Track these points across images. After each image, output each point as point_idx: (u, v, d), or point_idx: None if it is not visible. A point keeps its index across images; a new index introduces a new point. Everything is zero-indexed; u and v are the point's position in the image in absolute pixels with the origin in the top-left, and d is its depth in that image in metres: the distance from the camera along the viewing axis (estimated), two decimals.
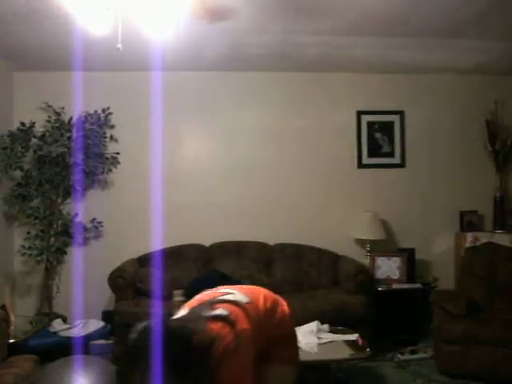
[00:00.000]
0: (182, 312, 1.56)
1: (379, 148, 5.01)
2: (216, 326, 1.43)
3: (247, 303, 1.64)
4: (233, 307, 1.57)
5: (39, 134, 4.39)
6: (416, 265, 4.67)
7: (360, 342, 3.24)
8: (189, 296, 2.01)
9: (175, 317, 1.53)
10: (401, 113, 5.01)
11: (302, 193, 4.90)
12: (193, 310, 1.54)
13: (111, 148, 4.67)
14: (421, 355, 4.03)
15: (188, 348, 1.28)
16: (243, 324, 1.52)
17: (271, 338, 1.76)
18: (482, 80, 4.97)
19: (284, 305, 1.87)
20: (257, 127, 4.88)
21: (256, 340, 1.58)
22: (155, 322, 1.34)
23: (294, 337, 1.94)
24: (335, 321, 3.61)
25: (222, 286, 1.81)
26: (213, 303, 1.58)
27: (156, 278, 4.12)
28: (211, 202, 4.79)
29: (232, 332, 1.44)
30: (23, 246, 4.36)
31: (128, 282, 4.09)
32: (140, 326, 1.32)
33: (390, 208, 4.88)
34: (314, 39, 3.94)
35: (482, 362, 3.45)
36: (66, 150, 4.31)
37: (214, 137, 4.90)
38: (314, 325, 3.42)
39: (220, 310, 1.53)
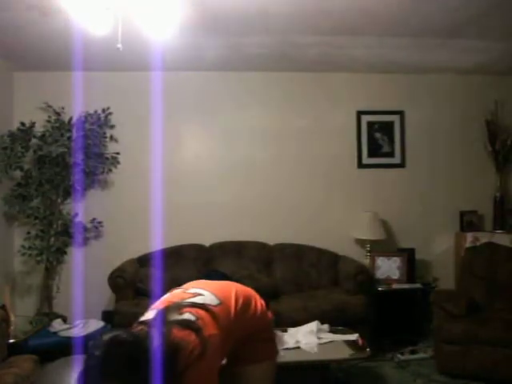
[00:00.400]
0: (150, 314, 1.54)
1: (379, 148, 5.01)
2: (181, 333, 1.42)
3: (217, 305, 1.61)
4: (201, 311, 1.53)
5: (39, 134, 4.39)
6: (416, 265, 4.67)
7: (360, 341, 3.24)
8: None
9: (141, 319, 1.52)
10: (401, 113, 5.01)
11: (301, 193, 4.90)
12: (161, 314, 1.51)
13: (111, 148, 4.67)
14: (421, 355, 4.03)
15: (152, 356, 1.27)
16: (210, 329, 1.49)
17: (246, 334, 1.75)
18: (482, 80, 4.97)
19: (258, 299, 1.85)
20: (257, 127, 4.88)
21: (225, 343, 1.56)
22: (117, 334, 1.33)
23: (271, 331, 1.93)
24: (335, 321, 3.61)
25: (193, 284, 1.79)
26: (180, 307, 1.55)
27: (156, 278, 4.12)
28: (211, 202, 4.79)
29: (198, 338, 1.43)
30: (23, 246, 4.36)
31: (128, 282, 4.09)
32: (102, 340, 1.31)
33: (390, 208, 4.88)
34: (313, 39, 3.94)
35: (482, 362, 3.45)
36: (66, 150, 4.31)
37: (214, 137, 4.90)
38: (313, 325, 3.42)
39: (187, 315, 1.50)
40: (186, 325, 1.45)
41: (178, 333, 1.41)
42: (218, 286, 1.77)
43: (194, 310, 1.53)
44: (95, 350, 1.28)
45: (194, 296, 1.63)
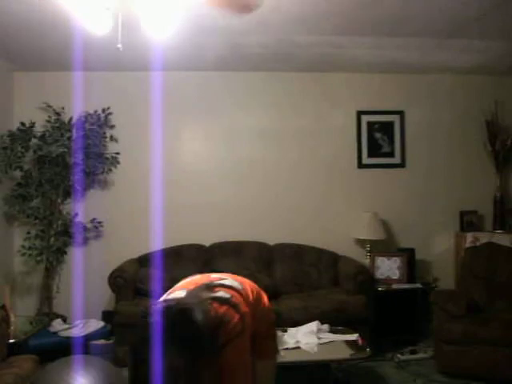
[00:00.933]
0: (179, 293, 1.56)
1: (379, 148, 5.01)
2: (222, 308, 1.46)
3: (241, 290, 1.66)
4: (232, 291, 1.58)
5: (39, 134, 4.39)
6: (416, 265, 4.67)
7: (360, 341, 3.24)
8: None
9: (170, 297, 1.54)
10: (401, 113, 5.01)
11: (301, 193, 4.90)
12: (193, 292, 1.55)
13: (111, 148, 4.67)
14: (421, 355, 4.03)
15: (199, 328, 1.31)
16: (244, 307, 1.54)
17: (255, 327, 1.78)
18: (481, 80, 4.97)
19: (264, 295, 1.91)
20: (257, 127, 4.88)
21: (252, 324, 1.61)
22: (168, 305, 1.37)
23: (273, 329, 1.97)
24: (335, 321, 3.61)
25: (212, 274, 1.82)
26: (212, 286, 1.59)
27: (156, 278, 4.12)
28: (211, 202, 4.80)
29: (237, 314, 1.47)
30: (23, 246, 4.36)
31: (128, 281, 4.09)
32: (154, 308, 1.35)
33: (390, 208, 4.88)
34: (314, 39, 3.94)
35: (482, 362, 3.45)
36: (66, 150, 4.31)
37: (214, 137, 4.90)
38: (314, 325, 3.42)
39: (221, 293, 1.54)
40: (224, 301, 1.50)
41: (218, 308, 1.45)
42: (236, 277, 1.82)
43: (225, 289, 1.57)
44: (149, 318, 1.31)
45: (220, 279, 1.67)
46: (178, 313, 1.32)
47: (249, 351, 1.53)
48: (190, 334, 1.28)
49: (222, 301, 1.49)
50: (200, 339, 1.30)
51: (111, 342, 3.93)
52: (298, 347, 3.16)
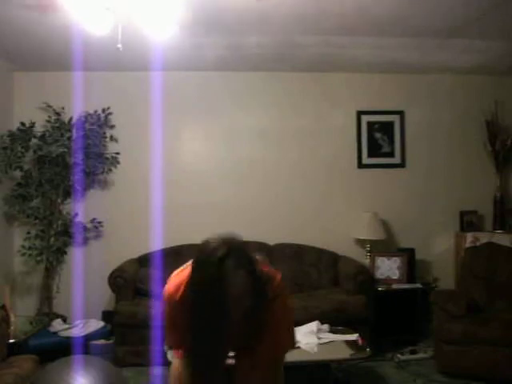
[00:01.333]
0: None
1: (379, 148, 5.01)
2: (266, 267, 1.52)
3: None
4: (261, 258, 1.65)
5: (39, 134, 4.39)
6: (416, 265, 4.67)
7: (360, 341, 3.24)
8: None
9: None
10: (401, 113, 5.01)
11: (302, 193, 4.90)
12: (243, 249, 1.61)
13: (111, 148, 4.67)
14: (421, 355, 4.03)
15: (256, 276, 1.35)
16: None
17: None
18: (481, 80, 4.97)
19: None
20: (257, 127, 4.88)
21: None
22: (234, 243, 1.42)
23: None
24: (335, 321, 3.61)
25: None
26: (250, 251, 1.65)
27: (156, 278, 4.12)
28: (211, 202, 4.79)
29: (278, 274, 1.52)
30: (23, 246, 4.36)
31: (128, 281, 4.09)
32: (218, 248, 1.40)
33: (390, 208, 4.88)
34: (314, 39, 3.94)
35: (482, 362, 3.45)
36: (66, 150, 4.31)
37: (214, 137, 4.90)
38: (314, 325, 3.42)
39: (260, 257, 1.60)
40: (264, 262, 1.56)
41: (263, 266, 1.52)
42: None
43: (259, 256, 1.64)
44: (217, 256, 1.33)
45: None
46: (244, 254, 1.39)
47: (291, 309, 1.63)
48: (253, 277, 1.34)
49: (262, 262, 1.57)
50: (259, 287, 1.36)
51: (111, 341, 3.93)
52: (298, 347, 3.16)
